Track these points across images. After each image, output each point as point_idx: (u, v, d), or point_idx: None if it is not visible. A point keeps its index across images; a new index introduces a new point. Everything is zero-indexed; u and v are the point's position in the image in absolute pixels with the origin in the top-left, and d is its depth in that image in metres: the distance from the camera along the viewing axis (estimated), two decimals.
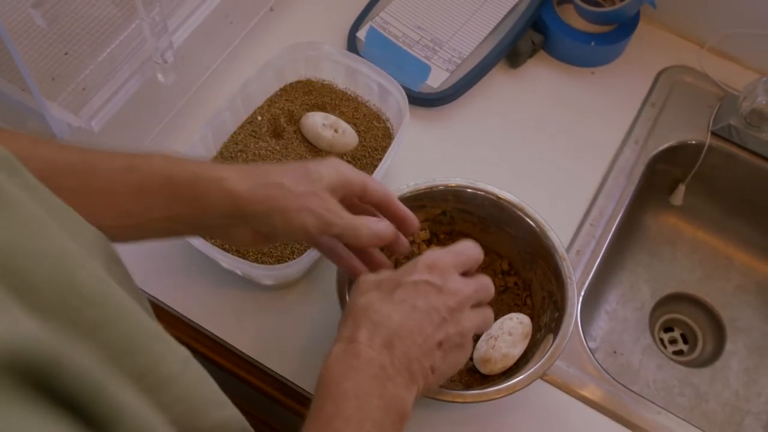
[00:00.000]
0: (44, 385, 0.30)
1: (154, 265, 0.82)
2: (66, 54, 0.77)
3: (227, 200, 0.57)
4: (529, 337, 0.74)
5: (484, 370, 0.74)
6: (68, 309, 0.36)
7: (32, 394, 0.29)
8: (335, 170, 0.61)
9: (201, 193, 0.57)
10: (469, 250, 0.63)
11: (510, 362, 0.73)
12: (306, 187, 0.59)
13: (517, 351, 0.73)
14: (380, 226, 0.62)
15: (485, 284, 0.63)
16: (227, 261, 0.76)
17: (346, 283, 0.72)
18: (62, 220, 0.42)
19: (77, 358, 0.32)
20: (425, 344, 0.57)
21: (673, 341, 1.02)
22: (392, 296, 0.58)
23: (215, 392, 0.47)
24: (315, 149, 0.87)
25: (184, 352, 0.44)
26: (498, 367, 0.73)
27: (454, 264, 0.61)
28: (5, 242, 0.33)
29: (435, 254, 0.61)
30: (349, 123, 0.88)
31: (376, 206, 0.65)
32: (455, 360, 0.60)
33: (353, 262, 0.66)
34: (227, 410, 0.48)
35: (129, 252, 0.82)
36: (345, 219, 0.60)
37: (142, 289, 0.80)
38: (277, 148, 0.87)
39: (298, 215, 0.58)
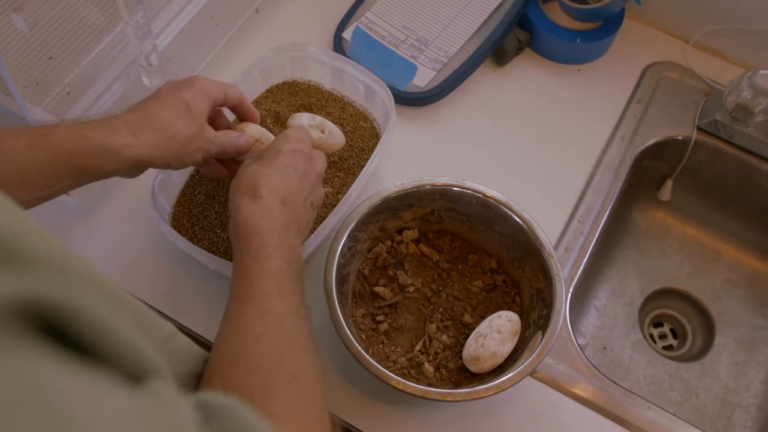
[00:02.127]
0: (56, 329, 0.32)
1: (142, 267, 0.82)
2: (50, 58, 0.77)
3: (131, 164, 0.64)
4: (518, 335, 0.74)
5: (473, 368, 0.74)
6: (65, 263, 0.37)
7: (42, 339, 0.31)
8: (207, 97, 0.70)
9: (106, 162, 0.63)
10: (302, 130, 0.75)
11: (499, 360, 0.73)
12: (193, 128, 0.68)
13: (506, 349, 0.73)
14: (240, 141, 0.73)
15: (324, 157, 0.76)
16: (215, 263, 0.76)
17: (334, 281, 0.72)
18: None
19: (85, 302, 0.33)
20: (305, 202, 0.69)
21: (662, 336, 1.02)
22: (276, 162, 0.68)
23: (200, 366, 0.50)
24: None
25: (168, 327, 0.46)
26: (487, 365, 0.73)
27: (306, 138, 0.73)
28: None
29: (297, 130, 0.73)
30: (335, 123, 0.88)
31: (232, 108, 0.76)
32: (313, 218, 0.73)
33: (219, 169, 0.77)
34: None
35: (115, 254, 0.83)
36: (217, 143, 0.71)
37: (129, 292, 0.81)
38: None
39: (191, 156, 0.69)
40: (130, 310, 0.43)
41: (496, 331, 0.73)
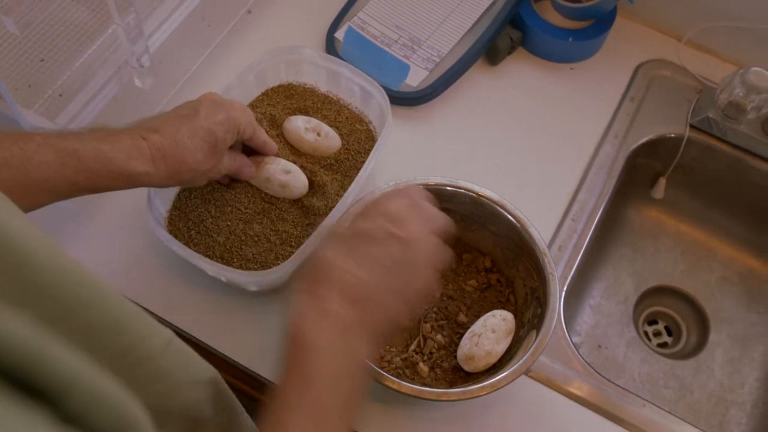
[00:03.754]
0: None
1: (138, 272, 0.82)
2: (42, 60, 0.77)
3: (141, 186, 0.67)
4: (513, 334, 0.74)
5: (468, 367, 0.74)
6: (54, 287, 0.37)
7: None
8: (236, 131, 0.71)
9: (121, 184, 0.65)
10: (411, 188, 0.65)
11: (494, 359, 0.73)
12: (212, 162, 0.70)
13: (501, 348, 0.73)
14: (247, 171, 0.77)
15: (433, 215, 0.63)
16: (211, 268, 0.76)
17: None
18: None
19: (55, 352, 0.33)
20: (395, 300, 0.58)
21: (657, 334, 1.02)
22: (356, 249, 0.58)
23: (198, 372, 0.50)
24: (298, 153, 0.87)
25: (167, 334, 0.46)
26: (482, 364, 0.73)
27: (407, 206, 0.61)
28: None
29: (393, 203, 0.61)
30: (331, 126, 0.88)
31: (248, 142, 0.78)
32: (413, 312, 0.61)
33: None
34: (204, 392, 0.50)
35: (111, 258, 0.82)
36: (226, 170, 0.74)
37: (126, 297, 0.80)
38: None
39: (197, 182, 0.74)
40: (127, 315, 0.42)
41: (490, 330, 0.73)
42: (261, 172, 0.82)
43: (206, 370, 0.52)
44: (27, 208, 0.61)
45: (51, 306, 0.37)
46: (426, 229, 0.60)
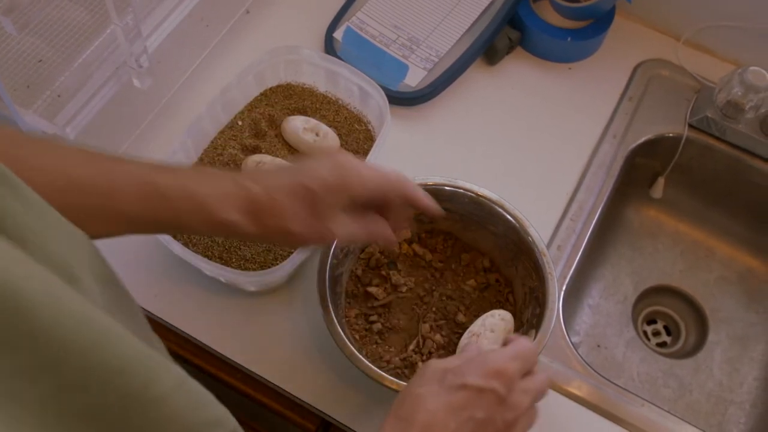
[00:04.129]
0: None
1: (137, 272, 0.82)
2: (40, 61, 0.77)
3: (238, 236, 0.63)
4: (511, 333, 0.74)
5: None
6: (52, 331, 0.35)
7: None
8: (347, 197, 0.63)
9: (215, 230, 0.62)
10: (531, 352, 0.60)
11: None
12: (312, 225, 0.61)
13: (499, 347, 0.73)
14: (385, 237, 0.66)
15: (543, 389, 0.60)
16: (210, 268, 0.76)
17: (327, 289, 0.72)
18: (57, 238, 0.43)
19: None
20: None
21: (656, 333, 1.02)
22: (453, 398, 0.55)
23: (213, 411, 0.48)
24: (297, 153, 0.87)
25: (178, 374, 0.44)
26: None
27: (521, 370, 0.58)
28: None
29: (504, 360, 0.57)
30: (330, 126, 0.88)
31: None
32: None
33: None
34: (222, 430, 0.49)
35: (112, 260, 0.82)
36: (342, 240, 0.66)
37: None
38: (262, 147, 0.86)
39: (293, 246, 0.69)
40: (134, 356, 0.41)
41: (489, 330, 0.73)
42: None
43: (221, 411, 0.51)
44: (105, 236, 0.58)
45: (46, 351, 0.36)
46: (533, 402, 0.58)
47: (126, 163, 0.59)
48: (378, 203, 0.67)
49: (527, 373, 0.59)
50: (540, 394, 0.59)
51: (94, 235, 0.55)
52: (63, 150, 0.58)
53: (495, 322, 0.74)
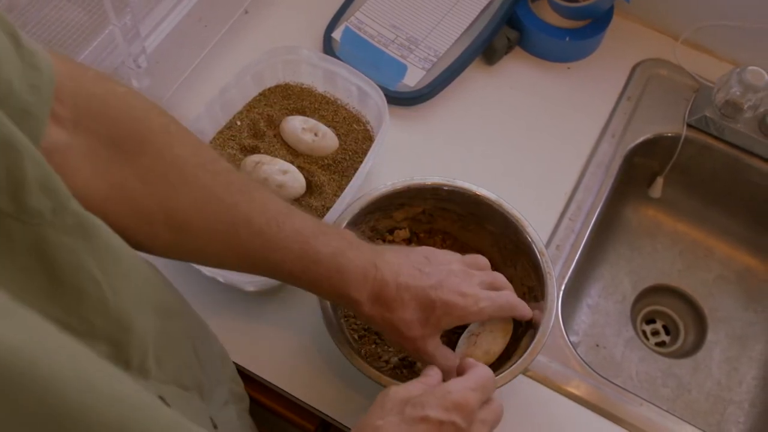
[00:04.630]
0: None
1: None
2: None
3: (352, 309, 0.64)
4: (510, 333, 0.74)
5: None
6: (81, 412, 0.34)
7: None
8: (457, 321, 0.65)
9: (335, 299, 0.66)
10: (490, 381, 0.60)
11: (492, 359, 0.73)
12: (416, 333, 0.64)
13: (498, 348, 0.73)
14: (445, 366, 0.65)
15: (500, 417, 0.60)
16: (209, 269, 0.76)
17: None
18: (122, 288, 0.42)
19: None
20: None
21: (655, 333, 1.02)
22: (411, 429, 0.54)
23: None
24: (295, 153, 0.87)
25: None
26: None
27: (481, 401, 0.58)
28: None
29: (465, 392, 0.57)
30: (329, 126, 0.88)
31: None
32: None
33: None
34: None
35: None
36: (422, 360, 0.66)
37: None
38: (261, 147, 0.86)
39: (390, 343, 0.71)
40: (163, 426, 0.40)
41: (488, 330, 0.73)
42: (258, 172, 0.82)
43: None
44: (243, 271, 0.61)
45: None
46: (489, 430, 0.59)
47: (295, 216, 0.60)
48: None
49: (485, 401, 0.59)
50: (496, 423, 0.60)
51: (219, 266, 0.61)
52: (249, 189, 0.59)
53: (494, 321, 0.74)
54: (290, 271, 0.60)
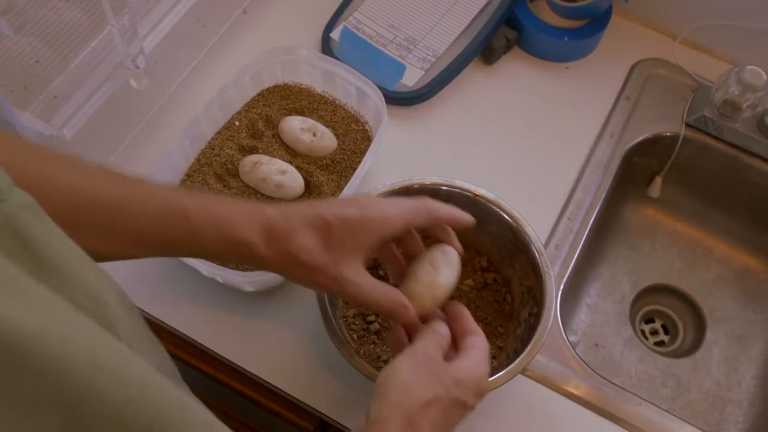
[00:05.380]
0: None
1: (133, 273, 0.82)
2: (37, 62, 0.77)
3: (251, 260, 0.60)
4: (457, 267, 0.67)
5: (419, 312, 0.64)
6: (90, 392, 0.35)
7: None
8: (367, 235, 0.60)
9: (232, 252, 0.59)
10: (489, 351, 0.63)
11: (440, 292, 0.64)
12: (323, 260, 0.59)
13: (444, 279, 0.65)
14: (403, 315, 0.62)
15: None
16: (208, 269, 0.76)
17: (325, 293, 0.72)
18: (86, 268, 0.42)
19: None
20: None
21: (654, 332, 1.02)
22: (451, 414, 0.57)
23: None
24: (294, 153, 0.87)
25: (208, 416, 0.44)
26: (427, 301, 0.64)
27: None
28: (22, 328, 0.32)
29: (487, 378, 0.61)
30: (327, 126, 0.88)
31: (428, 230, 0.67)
32: None
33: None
34: None
35: (109, 262, 0.82)
36: (351, 294, 0.60)
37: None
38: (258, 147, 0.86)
39: (305, 284, 0.62)
40: (170, 406, 0.40)
41: (427, 263, 0.65)
42: (257, 172, 0.82)
43: None
44: (116, 257, 0.57)
45: (84, 411, 0.35)
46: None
47: (149, 184, 0.58)
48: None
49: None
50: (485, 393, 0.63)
51: (106, 256, 0.55)
52: (84, 166, 0.57)
53: (433, 254, 0.67)
54: (160, 234, 0.57)
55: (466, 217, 0.66)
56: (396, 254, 0.69)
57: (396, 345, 0.64)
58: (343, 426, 0.75)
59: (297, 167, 0.84)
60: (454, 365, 0.59)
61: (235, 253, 0.59)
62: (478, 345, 0.62)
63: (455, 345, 0.63)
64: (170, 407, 0.40)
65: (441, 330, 0.62)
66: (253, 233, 0.58)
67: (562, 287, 0.85)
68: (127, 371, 0.37)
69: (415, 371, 0.57)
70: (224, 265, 0.78)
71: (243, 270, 0.79)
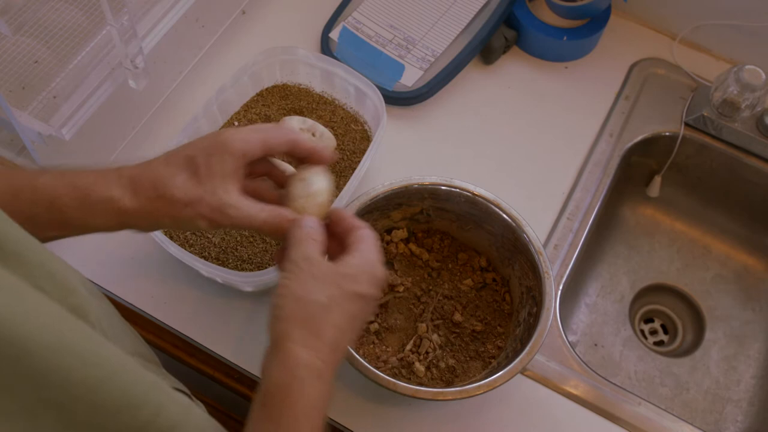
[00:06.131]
0: None
1: (134, 273, 0.82)
2: (36, 62, 0.77)
3: (116, 218, 0.58)
4: (325, 175, 0.65)
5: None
6: (56, 372, 0.35)
7: None
8: (228, 155, 0.59)
9: (89, 215, 0.57)
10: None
11: (319, 198, 0.64)
12: (194, 191, 0.58)
13: (317, 185, 0.64)
14: (284, 225, 0.60)
15: None
16: (207, 269, 0.76)
17: None
18: (49, 256, 0.42)
19: None
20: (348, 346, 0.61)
21: (653, 332, 1.02)
22: (351, 307, 0.56)
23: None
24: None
25: (184, 401, 0.44)
26: (312, 209, 0.63)
27: None
28: None
29: (381, 266, 0.60)
30: (326, 126, 0.88)
31: (289, 155, 0.64)
32: None
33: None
34: None
35: (110, 262, 0.82)
36: (236, 217, 0.59)
37: (121, 297, 0.80)
38: None
39: (189, 222, 0.59)
40: (141, 388, 0.40)
41: (296, 180, 0.64)
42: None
43: None
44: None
45: (50, 391, 0.35)
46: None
47: (14, 171, 0.57)
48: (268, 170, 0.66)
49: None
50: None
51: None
52: None
53: (316, 168, 0.65)
54: (26, 214, 0.55)
55: (326, 151, 0.65)
56: (276, 170, 0.67)
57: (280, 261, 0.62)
58: (343, 426, 0.75)
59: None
60: (343, 261, 0.58)
61: (101, 215, 0.57)
62: (363, 237, 0.60)
63: (343, 246, 0.61)
64: (142, 389, 0.41)
65: (308, 223, 0.60)
66: (115, 188, 0.57)
67: (561, 287, 0.85)
68: (97, 353, 0.38)
69: (303, 281, 0.56)
70: (223, 265, 0.78)
71: (242, 270, 0.79)
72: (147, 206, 0.57)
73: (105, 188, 0.57)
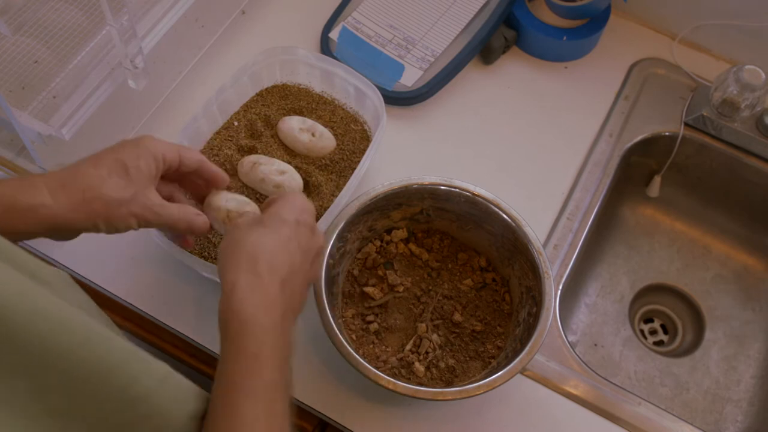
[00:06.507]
0: None
1: (134, 273, 0.82)
2: (35, 62, 0.77)
3: (47, 224, 0.58)
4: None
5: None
6: (29, 337, 0.36)
7: None
8: (153, 159, 0.63)
9: (18, 223, 0.57)
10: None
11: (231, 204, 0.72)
12: (127, 191, 0.61)
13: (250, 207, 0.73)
14: (196, 221, 0.67)
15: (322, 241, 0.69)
16: (207, 270, 0.76)
17: (324, 290, 0.72)
18: (9, 251, 0.43)
19: None
20: (304, 282, 0.62)
21: (653, 332, 1.02)
22: (279, 234, 0.60)
23: (197, 404, 0.49)
24: (292, 153, 0.87)
25: (162, 370, 0.45)
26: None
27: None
28: None
29: (303, 198, 0.66)
30: (326, 126, 0.88)
31: (194, 174, 0.70)
32: (306, 298, 0.65)
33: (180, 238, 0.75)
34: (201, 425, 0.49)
35: (109, 262, 0.82)
36: (162, 215, 0.64)
37: (121, 297, 0.80)
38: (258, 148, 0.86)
39: (123, 221, 0.62)
40: (115, 356, 0.41)
41: (228, 202, 0.72)
42: (255, 172, 0.82)
43: (204, 403, 0.51)
44: None
45: (23, 354, 0.36)
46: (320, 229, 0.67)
47: None
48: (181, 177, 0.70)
49: None
50: (321, 249, 0.68)
51: None
52: None
53: (226, 199, 0.73)
54: None
55: (224, 177, 0.72)
56: (197, 182, 0.72)
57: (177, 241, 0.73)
58: (343, 426, 0.75)
59: (296, 167, 0.84)
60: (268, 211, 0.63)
61: (30, 221, 0.58)
62: (279, 196, 0.65)
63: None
64: (117, 356, 0.41)
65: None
66: (44, 194, 0.57)
67: (561, 287, 0.85)
68: (70, 320, 0.39)
69: (228, 236, 0.61)
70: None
71: None
72: (81, 208, 0.59)
73: (33, 195, 0.57)
